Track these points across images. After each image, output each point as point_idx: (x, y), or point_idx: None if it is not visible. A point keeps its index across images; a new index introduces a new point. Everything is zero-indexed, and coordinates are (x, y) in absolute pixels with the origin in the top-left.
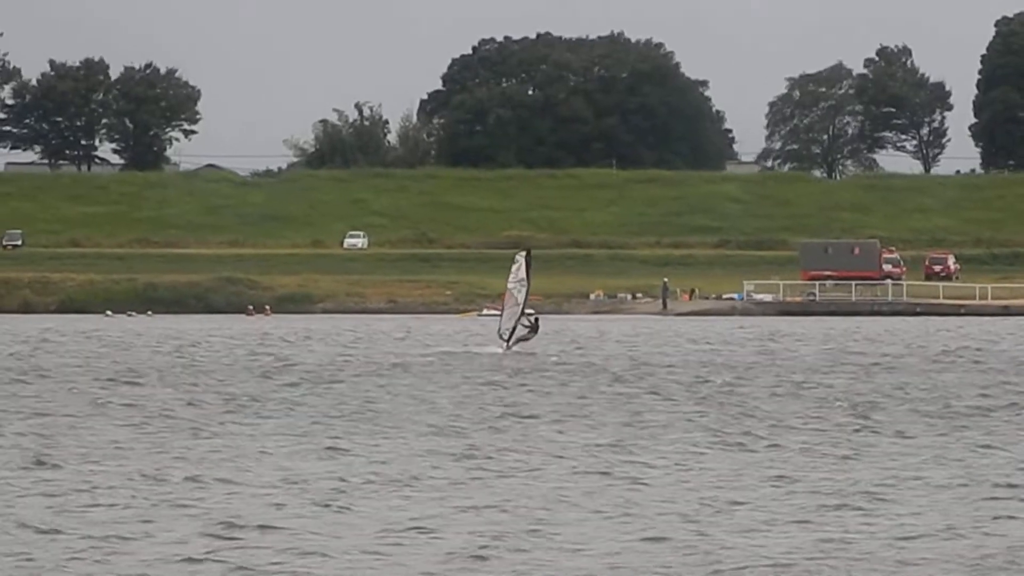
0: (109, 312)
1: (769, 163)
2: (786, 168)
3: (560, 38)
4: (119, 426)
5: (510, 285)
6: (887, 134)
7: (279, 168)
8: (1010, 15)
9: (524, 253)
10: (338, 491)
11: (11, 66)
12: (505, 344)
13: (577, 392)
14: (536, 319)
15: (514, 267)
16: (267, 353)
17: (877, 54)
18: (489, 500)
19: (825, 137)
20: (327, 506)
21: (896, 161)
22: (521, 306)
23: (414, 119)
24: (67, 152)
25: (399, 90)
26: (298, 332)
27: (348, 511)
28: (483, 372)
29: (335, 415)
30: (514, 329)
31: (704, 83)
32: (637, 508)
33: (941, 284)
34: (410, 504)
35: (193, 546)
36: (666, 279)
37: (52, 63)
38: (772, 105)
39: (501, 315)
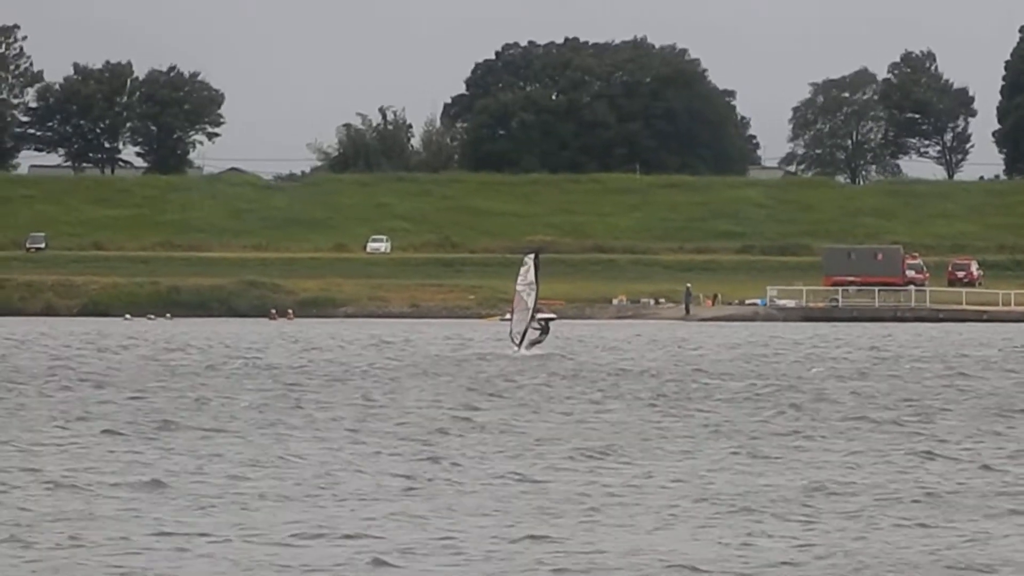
0: (128, 316)
1: (792, 168)
2: (809, 173)
3: (584, 43)
4: (54, 426)
5: (519, 288)
6: (911, 140)
7: (302, 172)
8: None
9: (532, 255)
10: (263, 496)
11: (35, 69)
12: (517, 347)
13: (539, 396)
14: (546, 321)
15: (523, 269)
16: (243, 357)
17: (901, 59)
18: (420, 508)
19: (849, 142)
20: (250, 510)
21: (920, 167)
22: (531, 310)
23: (438, 123)
24: (90, 155)
25: (423, 94)
26: (294, 335)
27: (259, 513)
28: (456, 376)
29: (286, 420)
30: (525, 332)
31: (731, 93)
32: (547, 514)
33: (964, 290)
34: (336, 510)
35: (117, 552)
36: (689, 284)
37: (76, 66)
38: (796, 110)
39: (511, 319)
